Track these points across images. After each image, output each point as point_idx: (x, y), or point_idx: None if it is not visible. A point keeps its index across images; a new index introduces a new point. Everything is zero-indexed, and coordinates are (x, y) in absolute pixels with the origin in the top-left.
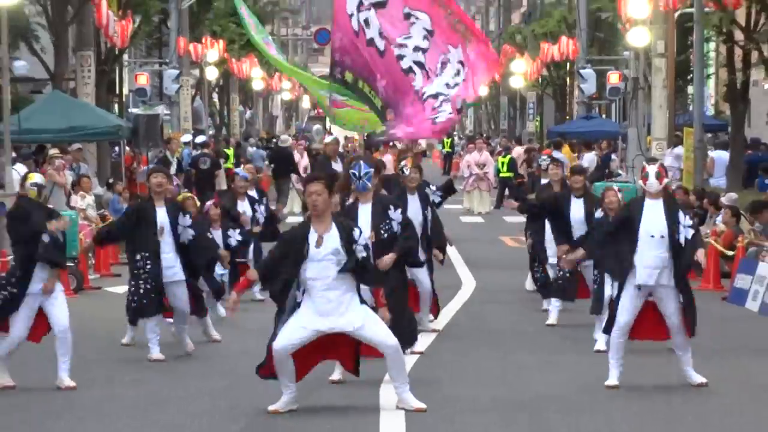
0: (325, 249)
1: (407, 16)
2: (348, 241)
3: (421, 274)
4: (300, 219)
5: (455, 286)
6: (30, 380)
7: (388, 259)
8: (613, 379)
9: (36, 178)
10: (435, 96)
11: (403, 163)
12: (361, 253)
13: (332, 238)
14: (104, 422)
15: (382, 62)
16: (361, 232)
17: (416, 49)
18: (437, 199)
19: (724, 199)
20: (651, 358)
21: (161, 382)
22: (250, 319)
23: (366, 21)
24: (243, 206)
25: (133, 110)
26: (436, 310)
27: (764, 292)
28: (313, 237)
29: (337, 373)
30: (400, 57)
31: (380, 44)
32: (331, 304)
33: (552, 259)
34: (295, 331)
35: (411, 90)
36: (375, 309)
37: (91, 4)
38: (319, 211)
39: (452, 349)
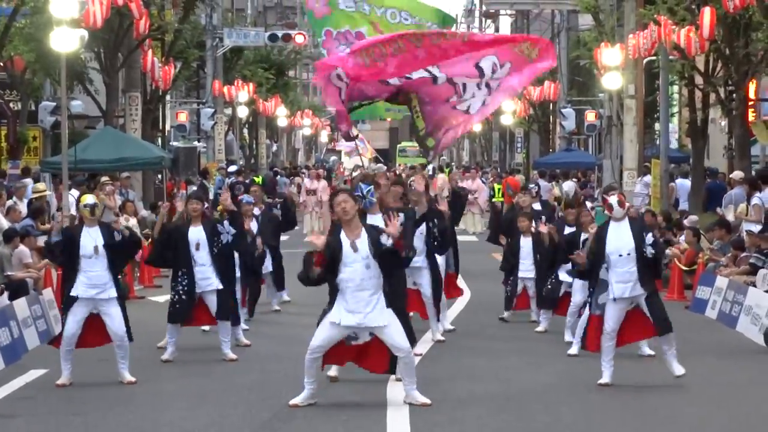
0: (359, 253)
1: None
2: (375, 241)
3: (423, 282)
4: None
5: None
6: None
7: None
8: (605, 378)
9: (88, 199)
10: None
11: (411, 179)
12: (387, 242)
13: (363, 242)
14: (152, 413)
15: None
16: (384, 228)
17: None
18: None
19: (686, 221)
20: (628, 361)
21: (200, 379)
22: (275, 327)
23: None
24: (251, 225)
25: (174, 143)
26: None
27: (721, 301)
28: (346, 242)
29: (333, 370)
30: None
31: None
32: (360, 303)
33: (523, 273)
34: (328, 329)
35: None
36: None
37: (139, 51)
38: (349, 217)
39: (450, 351)
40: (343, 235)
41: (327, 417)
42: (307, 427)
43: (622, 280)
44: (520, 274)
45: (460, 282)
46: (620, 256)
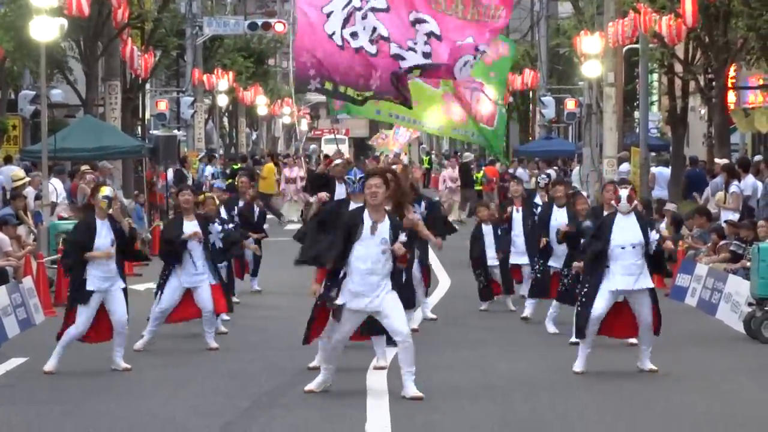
0: (377, 236)
1: (413, 23)
2: (395, 229)
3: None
4: (298, 226)
5: (432, 285)
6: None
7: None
8: (579, 366)
9: (107, 191)
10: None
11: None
12: (404, 239)
13: (384, 227)
14: (133, 402)
15: (375, 61)
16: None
17: (424, 55)
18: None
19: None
20: (605, 349)
21: (180, 367)
22: (252, 319)
23: (353, 34)
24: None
25: (154, 132)
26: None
27: (701, 289)
28: (368, 222)
29: (316, 360)
30: (398, 57)
31: (371, 48)
32: (368, 287)
33: (491, 261)
34: (347, 320)
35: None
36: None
37: (118, 40)
38: (377, 202)
39: (430, 341)
40: (366, 215)
41: (307, 405)
42: (286, 414)
43: (629, 272)
44: (489, 263)
45: (441, 271)
46: (623, 248)
